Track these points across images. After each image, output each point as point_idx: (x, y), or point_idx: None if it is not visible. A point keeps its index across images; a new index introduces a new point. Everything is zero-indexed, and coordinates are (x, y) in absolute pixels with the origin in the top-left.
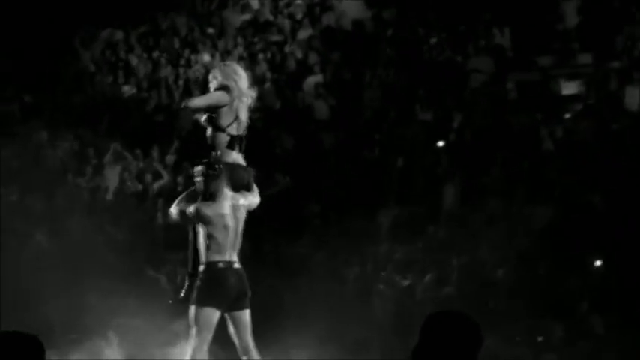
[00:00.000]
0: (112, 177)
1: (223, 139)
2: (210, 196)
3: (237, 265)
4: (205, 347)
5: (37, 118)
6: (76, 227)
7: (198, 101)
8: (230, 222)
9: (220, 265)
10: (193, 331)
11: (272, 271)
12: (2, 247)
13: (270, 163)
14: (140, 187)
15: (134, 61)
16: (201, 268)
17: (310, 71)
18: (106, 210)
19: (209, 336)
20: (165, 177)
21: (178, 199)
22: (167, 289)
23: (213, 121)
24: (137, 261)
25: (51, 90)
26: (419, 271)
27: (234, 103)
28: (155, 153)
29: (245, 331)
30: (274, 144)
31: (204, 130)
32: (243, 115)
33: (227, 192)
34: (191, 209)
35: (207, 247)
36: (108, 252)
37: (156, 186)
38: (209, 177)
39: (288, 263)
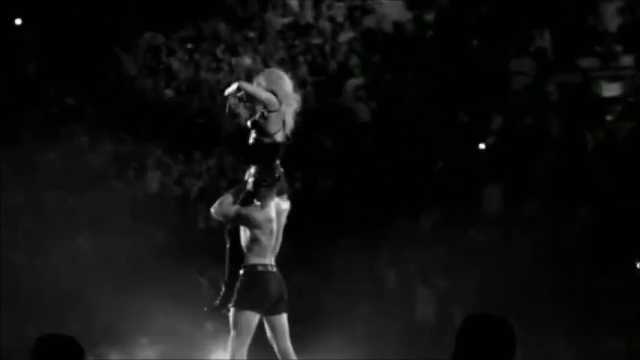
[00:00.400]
0: (153, 180)
1: (269, 147)
2: (259, 200)
3: (276, 269)
4: (244, 350)
5: (79, 121)
6: (118, 230)
7: (250, 87)
8: (275, 227)
9: (260, 268)
10: (233, 334)
11: (313, 274)
12: (45, 249)
13: (311, 166)
14: (181, 190)
15: (175, 64)
16: (241, 271)
17: (351, 74)
18: (147, 213)
19: (248, 339)
20: (206, 180)
21: (221, 198)
22: (207, 292)
23: (259, 126)
24: (178, 264)
25: (92, 93)
26: (460, 273)
27: (281, 109)
28: (196, 156)
29: (283, 335)
30: (315, 147)
31: (247, 133)
32: (290, 121)
33: (274, 197)
34: (241, 211)
35: (249, 250)
36: (149, 255)
37: (197, 189)
38: (264, 183)
39: (329, 265)
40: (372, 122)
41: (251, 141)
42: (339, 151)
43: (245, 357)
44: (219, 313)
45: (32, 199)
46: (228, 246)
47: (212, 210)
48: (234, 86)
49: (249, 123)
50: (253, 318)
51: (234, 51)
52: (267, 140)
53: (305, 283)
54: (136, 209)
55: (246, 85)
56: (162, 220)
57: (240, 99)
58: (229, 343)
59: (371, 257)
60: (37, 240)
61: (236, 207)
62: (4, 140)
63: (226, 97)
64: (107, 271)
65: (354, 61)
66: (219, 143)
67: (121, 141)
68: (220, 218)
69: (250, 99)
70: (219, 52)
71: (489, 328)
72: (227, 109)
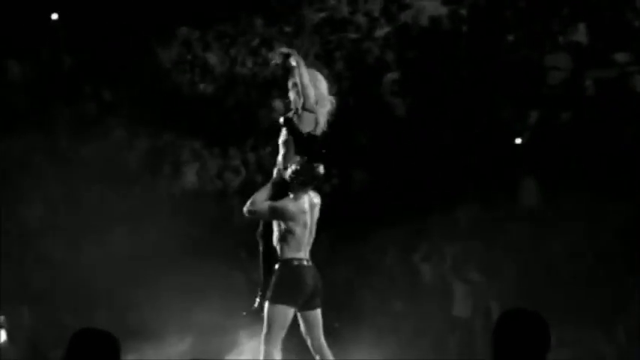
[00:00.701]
0: (189, 175)
1: (298, 143)
2: (293, 192)
3: (311, 263)
4: (278, 344)
5: (115, 116)
6: (154, 226)
7: (304, 72)
8: (308, 219)
9: (296, 262)
10: (266, 328)
11: (349, 268)
12: (81, 244)
13: (347, 161)
14: (217, 185)
15: (211, 59)
16: (277, 265)
17: (387, 68)
18: (183, 209)
19: (282, 333)
20: (244, 175)
21: (253, 197)
22: (243, 288)
23: (292, 124)
24: (215, 259)
25: (128, 88)
26: (496, 268)
27: (316, 109)
28: (232, 151)
29: (317, 330)
30: (351, 141)
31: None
32: (323, 121)
33: (308, 190)
34: (275, 205)
35: (285, 244)
36: (185, 250)
37: (234, 184)
38: (304, 179)
39: (365, 260)
40: (407, 117)
41: (282, 138)
42: (375, 146)
43: (279, 351)
44: (259, 315)
45: (69, 194)
46: (261, 249)
47: (245, 209)
48: (288, 54)
49: (281, 120)
50: (288, 312)
51: (269, 45)
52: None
53: (341, 278)
54: (172, 204)
55: (302, 69)
56: (198, 216)
57: (294, 84)
58: (263, 338)
59: (407, 252)
60: (74, 235)
61: (269, 202)
62: (41, 136)
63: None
64: (143, 266)
65: (390, 55)
66: (256, 137)
67: (157, 136)
68: (254, 216)
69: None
70: (254, 46)
71: (525, 325)
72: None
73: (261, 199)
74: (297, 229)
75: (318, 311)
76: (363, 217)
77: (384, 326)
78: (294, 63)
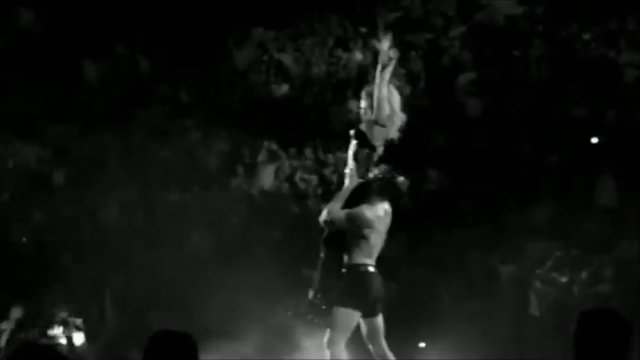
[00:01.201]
0: (266, 176)
1: (368, 155)
2: (370, 198)
3: (376, 270)
4: (342, 347)
5: (191, 118)
6: (231, 226)
7: (381, 88)
8: (383, 226)
9: (363, 268)
10: (331, 331)
11: (426, 269)
12: (160, 246)
13: (423, 161)
14: (294, 185)
15: (286, 60)
16: (345, 270)
17: (463, 68)
18: (260, 209)
19: (346, 336)
20: (319, 175)
21: (328, 206)
22: None
23: (362, 136)
24: (292, 260)
25: (204, 90)
26: (575, 268)
27: (387, 124)
28: (308, 152)
29: (380, 335)
30: (427, 142)
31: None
32: (393, 136)
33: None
34: (351, 212)
35: (358, 250)
36: (263, 251)
37: (309, 184)
38: (385, 186)
39: (442, 261)
40: (483, 117)
41: (352, 150)
42: (451, 146)
43: (345, 352)
44: (323, 310)
45: (145, 196)
46: (322, 255)
47: (321, 219)
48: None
49: (352, 132)
50: (354, 316)
51: (344, 46)
52: (366, 150)
53: (419, 279)
54: (249, 205)
55: (385, 79)
56: (274, 216)
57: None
58: (327, 340)
59: (485, 252)
60: (151, 236)
61: (345, 210)
62: (117, 137)
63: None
64: (220, 266)
65: (465, 55)
66: (330, 138)
67: (233, 137)
68: (330, 226)
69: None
70: (330, 47)
71: (606, 324)
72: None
73: (336, 208)
74: (372, 236)
75: (381, 317)
76: (440, 218)
77: (462, 327)
78: (391, 57)
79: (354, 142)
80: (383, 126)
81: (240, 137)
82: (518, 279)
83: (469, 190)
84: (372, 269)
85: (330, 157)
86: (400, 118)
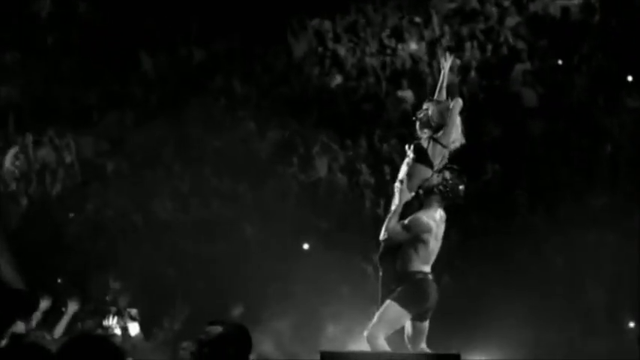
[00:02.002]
0: (320, 167)
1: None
2: (426, 205)
3: (432, 277)
4: (383, 340)
5: (245, 108)
6: (284, 217)
7: (453, 114)
8: (440, 231)
9: (421, 275)
10: (379, 322)
11: (481, 259)
12: (212, 236)
13: (478, 152)
14: (348, 176)
15: (341, 50)
16: (403, 276)
17: (518, 59)
18: (314, 199)
19: (389, 333)
20: (372, 166)
21: (385, 224)
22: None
23: (422, 153)
24: (344, 251)
25: (259, 80)
26: (628, 257)
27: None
28: (363, 142)
29: (422, 338)
30: (483, 132)
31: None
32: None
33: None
34: (409, 220)
35: (416, 256)
36: (315, 241)
37: (364, 175)
38: (447, 192)
39: (496, 251)
40: (539, 107)
41: (408, 162)
42: (506, 137)
43: (385, 343)
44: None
45: (199, 187)
46: (381, 274)
47: (381, 238)
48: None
49: (410, 146)
50: (404, 318)
51: (399, 36)
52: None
53: (473, 269)
54: (303, 196)
55: (457, 107)
56: (328, 207)
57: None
58: (371, 328)
59: (539, 242)
60: (204, 228)
61: (401, 221)
62: (172, 129)
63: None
64: (273, 257)
65: (520, 45)
66: (385, 128)
67: (287, 127)
68: (390, 242)
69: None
70: (384, 37)
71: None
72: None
73: (394, 222)
74: (431, 240)
75: (427, 322)
76: (495, 208)
77: (516, 317)
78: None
79: (410, 157)
80: (445, 147)
81: (294, 128)
82: (573, 268)
83: (524, 180)
84: (428, 277)
85: (385, 147)
86: (460, 141)
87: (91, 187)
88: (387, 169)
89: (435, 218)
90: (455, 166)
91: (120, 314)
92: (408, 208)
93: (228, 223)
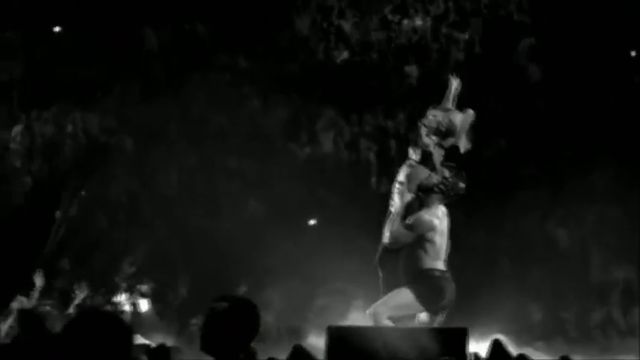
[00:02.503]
0: (326, 143)
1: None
2: (427, 203)
3: (450, 275)
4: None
5: (250, 84)
6: (290, 193)
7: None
8: (445, 227)
9: (438, 273)
10: (384, 306)
11: (485, 234)
12: (219, 212)
13: (482, 127)
14: (354, 152)
15: (346, 26)
16: (416, 274)
17: (524, 33)
18: (319, 176)
19: (395, 315)
20: (377, 142)
21: (387, 227)
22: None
23: (426, 159)
24: (351, 227)
25: (265, 56)
26: (633, 232)
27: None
28: (368, 118)
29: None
30: (486, 108)
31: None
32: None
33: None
34: (411, 220)
35: (425, 254)
36: (322, 218)
37: (369, 151)
38: (447, 189)
39: (500, 226)
40: (543, 82)
41: (406, 168)
42: (510, 112)
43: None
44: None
45: (205, 162)
46: (381, 275)
47: (386, 242)
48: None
49: (415, 150)
50: (416, 310)
51: (404, 12)
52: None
53: (478, 243)
54: (309, 172)
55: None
56: (335, 183)
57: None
58: (371, 311)
59: (543, 217)
60: (210, 203)
61: (403, 222)
62: (177, 104)
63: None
64: (279, 233)
65: (525, 20)
66: (391, 104)
67: (293, 103)
68: (396, 244)
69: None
70: (388, 12)
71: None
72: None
73: (397, 225)
74: (436, 237)
75: (443, 317)
76: (499, 183)
77: (521, 291)
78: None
79: (413, 159)
80: (444, 149)
81: (299, 104)
82: (576, 243)
83: (528, 155)
84: (445, 275)
85: (390, 124)
86: (465, 146)
87: (96, 164)
88: (393, 144)
89: (437, 215)
90: (453, 164)
91: (130, 290)
92: (409, 209)
93: (233, 199)
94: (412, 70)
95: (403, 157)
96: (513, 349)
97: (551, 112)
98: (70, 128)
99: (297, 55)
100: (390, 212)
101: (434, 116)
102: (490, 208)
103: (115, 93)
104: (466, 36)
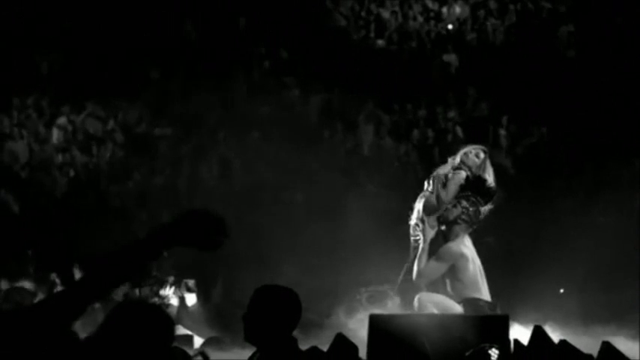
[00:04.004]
0: (366, 131)
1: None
2: (452, 236)
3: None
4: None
5: (291, 74)
6: (331, 183)
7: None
8: (475, 255)
9: (482, 303)
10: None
11: (527, 220)
12: (258, 203)
13: (524, 114)
14: (392, 141)
15: (385, 14)
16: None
17: (562, 20)
18: (361, 165)
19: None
20: (419, 130)
21: (415, 267)
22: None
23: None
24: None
25: (303, 46)
26: None
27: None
28: (408, 107)
29: None
30: (527, 94)
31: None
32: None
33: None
34: (437, 255)
35: (462, 285)
36: (361, 208)
37: (409, 139)
38: (470, 218)
39: (543, 212)
40: (584, 68)
41: (426, 201)
42: (552, 98)
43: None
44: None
45: (244, 152)
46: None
47: (416, 281)
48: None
49: (427, 187)
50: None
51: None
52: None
53: (520, 231)
54: (348, 161)
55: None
56: (375, 172)
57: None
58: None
59: (585, 203)
60: (251, 194)
61: (431, 259)
62: (218, 96)
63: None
64: (319, 222)
65: (563, 8)
66: (430, 92)
67: (332, 93)
68: (427, 281)
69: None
70: (428, 0)
71: None
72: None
73: (424, 262)
74: (469, 266)
75: None
76: (542, 169)
77: (561, 279)
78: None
79: (427, 192)
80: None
81: (339, 93)
82: (620, 230)
83: (570, 141)
84: (486, 309)
85: (423, 112)
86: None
87: (137, 155)
88: (430, 132)
89: (465, 244)
90: (469, 194)
91: (177, 284)
92: (433, 244)
93: (273, 189)
94: (451, 58)
95: (442, 147)
96: (555, 336)
97: (590, 97)
98: (111, 121)
99: (337, 44)
100: (415, 246)
101: (475, 157)
102: (532, 195)
103: (155, 84)
104: (505, 22)
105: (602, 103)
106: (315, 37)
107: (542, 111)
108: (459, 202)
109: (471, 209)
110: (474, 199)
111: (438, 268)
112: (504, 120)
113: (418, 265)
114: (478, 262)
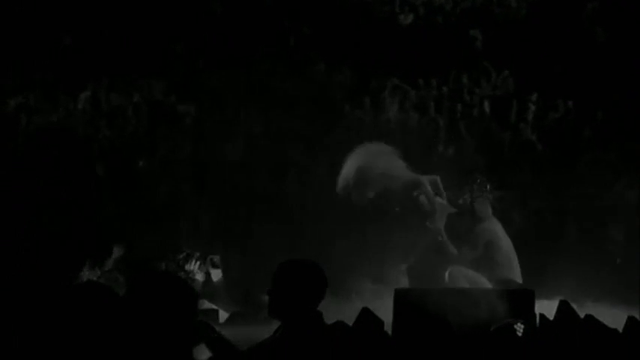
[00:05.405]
0: (392, 107)
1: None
2: (479, 212)
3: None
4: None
5: (314, 50)
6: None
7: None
8: (501, 234)
9: (515, 285)
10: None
11: (551, 197)
12: (283, 178)
13: (547, 89)
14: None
15: None
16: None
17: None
18: (387, 141)
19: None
20: (445, 108)
21: (449, 271)
22: None
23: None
24: None
25: (327, 22)
26: None
27: None
28: (433, 82)
29: None
30: (551, 69)
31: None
32: None
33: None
34: (471, 238)
35: (496, 265)
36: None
37: (437, 115)
38: (479, 193)
39: (568, 188)
40: (608, 43)
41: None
42: (576, 73)
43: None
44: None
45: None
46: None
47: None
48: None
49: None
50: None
51: None
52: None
53: (544, 207)
54: (374, 137)
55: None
56: (402, 148)
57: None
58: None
59: (612, 179)
60: (276, 170)
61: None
62: (241, 70)
63: None
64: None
65: None
66: (455, 67)
67: (356, 68)
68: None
69: None
70: None
71: None
72: None
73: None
74: (502, 244)
75: None
76: (565, 145)
77: (588, 254)
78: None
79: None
80: None
81: (365, 68)
82: None
83: (595, 117)
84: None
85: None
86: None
87: (161, 130)
88: (458, 107)
89: (491, 220)
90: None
91: (203, 259)
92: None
93: (299, 165)
94: (477, 33)
95: (468, 122)
96: (580, 311)
97: (617, 73)
98: (136, 95)
99: (360, 19)
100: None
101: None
102: (557, 170)
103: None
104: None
105: (630, 77)
106: (340, 12)
107: (568, 85)
108: (470, 192)
109: (485, 195)
110: (483, 186)
111: (475, 252)
112: (534, 96)
113: (448, 277)
114: (503, 236)
